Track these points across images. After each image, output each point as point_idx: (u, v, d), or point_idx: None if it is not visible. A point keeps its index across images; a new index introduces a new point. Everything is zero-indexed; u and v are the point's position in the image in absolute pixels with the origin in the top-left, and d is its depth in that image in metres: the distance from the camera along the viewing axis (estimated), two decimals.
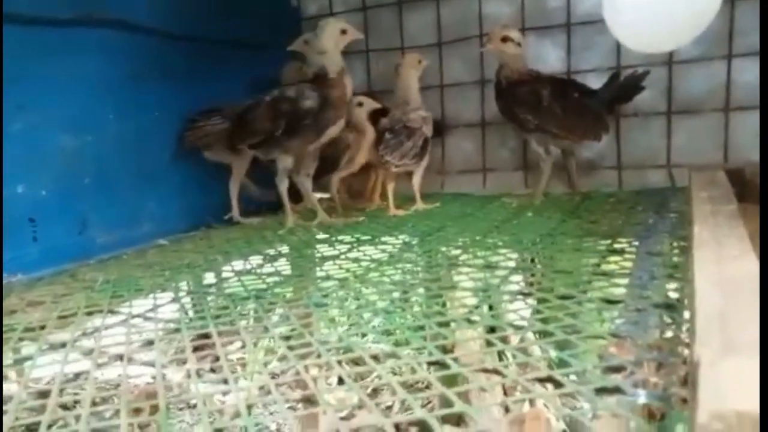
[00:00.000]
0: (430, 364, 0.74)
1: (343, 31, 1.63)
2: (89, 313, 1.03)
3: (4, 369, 0.82)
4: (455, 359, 0.72)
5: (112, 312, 1.03)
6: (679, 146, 1.84)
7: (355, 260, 1.27)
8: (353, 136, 1.80)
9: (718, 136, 1.78)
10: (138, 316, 1.00)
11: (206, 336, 0.87)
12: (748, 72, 1.72)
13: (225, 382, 0.73)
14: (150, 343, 0.88)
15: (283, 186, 1.68)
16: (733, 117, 1.76)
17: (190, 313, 1.02)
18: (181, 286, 1.19)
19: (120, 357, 0.82)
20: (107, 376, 0.80)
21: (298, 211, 1.89)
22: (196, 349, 0.84)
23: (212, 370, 0.78)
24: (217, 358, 0.79)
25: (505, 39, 1.78)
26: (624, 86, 1.70)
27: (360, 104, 1.78)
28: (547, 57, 1.97)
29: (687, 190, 1.43)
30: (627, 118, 1.89)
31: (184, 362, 0.79)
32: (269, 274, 1.22)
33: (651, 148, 1.88)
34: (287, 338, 0.83)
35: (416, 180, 1.82)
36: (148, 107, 1.64)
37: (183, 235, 1.68)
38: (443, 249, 1.30)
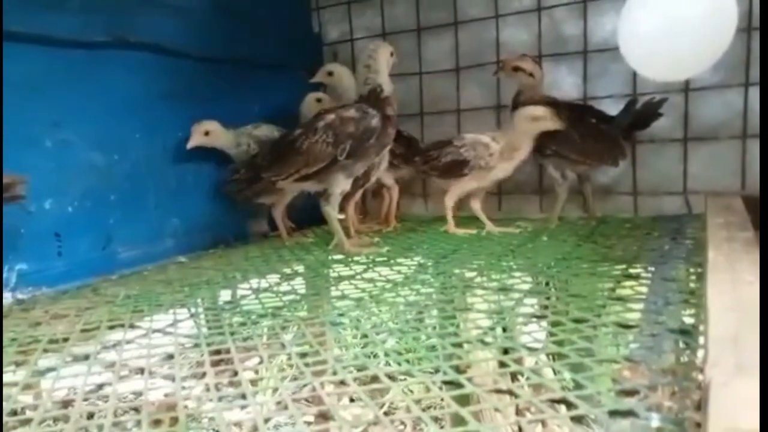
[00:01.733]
0: (443, 383, 0.74)
1: (392, 54, 1.68)
2: (111, 327, 1.05)
3: (29, 380, 0.84)
4: (469, 379, 0.73)
5: (133, 326, 1.06)
6: (696, 173, 1.84)
7: (371, 280, 1.28)
8: None
9: (735, 163, 1.78)
10: (158, 330, 1.03)
11: (224, 351, 0.89)
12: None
13: (243, 396, 0.74)
14: (170, 357, 0.90)
15: (335, 212, 1.61)
16: (751, 144, 1.75)
17: (209, 329, 1.04)
18: (199, 303, 1.21)
19: (141, 370, 0.84)
20: (126, 388, 0.82)
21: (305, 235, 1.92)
22: (214, 364, 0.86)
23: (231, 385, 0.79)
24: (235, 373, 0.80)
25: (516, 69, 1.82)
26: (641, 113, 1.71)
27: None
28: (563, 83, 1.99)
29: (703, 216, 1.43)
30: (643, 144, 1.90)
31: (203, 376, 0.81)
32: (286, 293, 1.24)
33: (667, 174, 1.88)
34: (303, 355, 0.85)
35: (476, 203, 1.84)
36: (174, 127, 1.69)
37: (203, 253, 1.72)
38: (458, 271, 1.31)
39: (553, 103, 1.81)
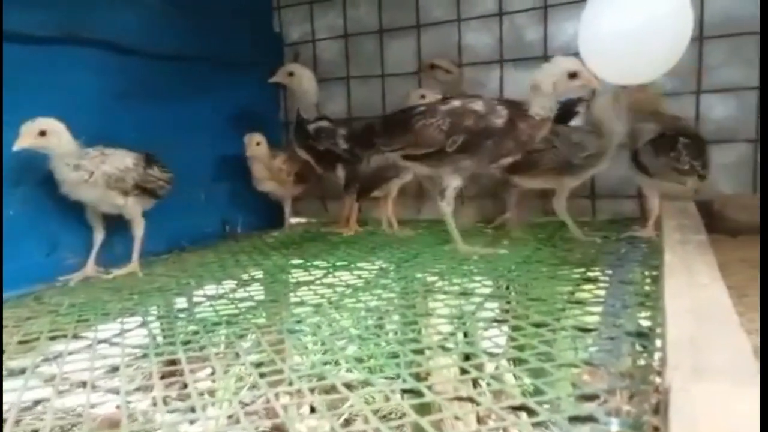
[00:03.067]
0: (404, 392, 0.72)
1: (573, 75, 1.38)
2: (53, 338, 0.99)
3: None
4: (429, 387, 0.71)
5: (76, 337, 1.00)
6: None
7: (330, 286, 1.26)
8: None
9: None
10: (104, 341, 0.98)
11: (175, 362, 0.85)
12: (715, 108, 1.78)
13: (192, 410, 0.71)
14: (115, 369, 0.85)
15: (450, 209, 1.48)
16: None
17: (159, 339, 1.00)
18: (150, 311, 1.16)
19: (83, 384, 0.79)
20: (69, 403, 0.78)
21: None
22: (164, 376, 0.82)
23: (180, 398, 0.75)
24: (185, 386, 0.76)
25: (432, 66, 1.86)
26: (561, 111, 1.74)
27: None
28: (525, 89, 2.00)
29: (658, 220, 1.45)
30: None
31: (151, 390, 0.77)
32: (242, 299, 1.20)
33: (623, 178, 1.91)
34: (259, 365, 0.82)
35: None
36: (127, 127, 1.62)
37: (155, 258, 1.65)
38: (419, 275, 1.30)
39: None
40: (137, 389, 0.84)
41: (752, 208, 1.49)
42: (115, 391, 0.78)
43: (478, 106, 1.43)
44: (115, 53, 1.59)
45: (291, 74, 1.90)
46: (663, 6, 0.93)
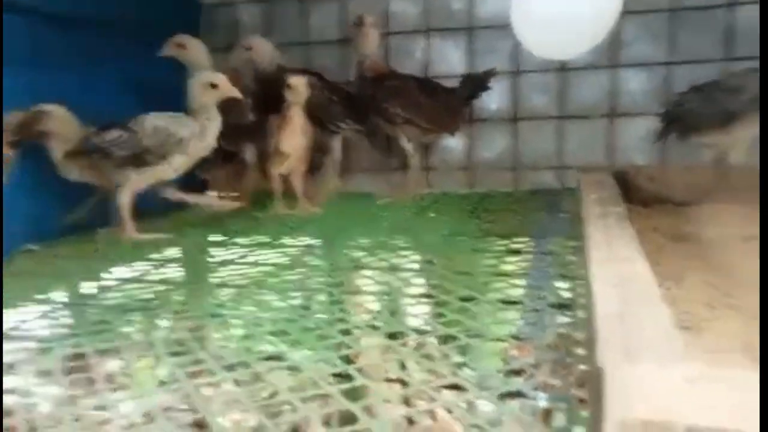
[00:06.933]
0: (333, 375, 0.70)
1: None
2: None
3: None
4: (359, 369, 0.70)
5: None
6: (570, 149, 1.95)
7: (254, 264, 1.21)
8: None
9: (605, 140, 1.90)
10: None
11: (82, 356, 0.78)
12: (631, 81, 1.86)
13: (103, 408, 0.65)
14: (12, 366, 0.77)
15: None
16: (618, 123, 1.88)
17: (64, 330, 0.91)
18: (54, 298, 1.06)
19: None
20: None
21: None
22: (70, 371, 0.75)
23: (87, 395, 0.69)
24: (94, 382, 0.70)
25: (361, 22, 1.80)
26: (473, 85, 1.79)
27: (289, 86, 1.61)
28: (450, 59, 2.00)
29: (577, 191, 1.50)
30: (524, 122, 1.97)
31: (55, 387, 0.70)
32: (158, 282, 1.13)
33: (545, 150, 1.97)
34: (176, 355, 0.76)
35: None
36: (20, 96, 1.45)
37: (59, 239, 1.51)
38: (346, 251, 1.27)
39: (398, 73, 1.82)
40: (39, 387, 0.77)
41: (660, 179, 1.59)
42: (12, 392, 0.71)
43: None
44: (10, 14, 1.41)
45: (181, 46, 1.75)
46: None
